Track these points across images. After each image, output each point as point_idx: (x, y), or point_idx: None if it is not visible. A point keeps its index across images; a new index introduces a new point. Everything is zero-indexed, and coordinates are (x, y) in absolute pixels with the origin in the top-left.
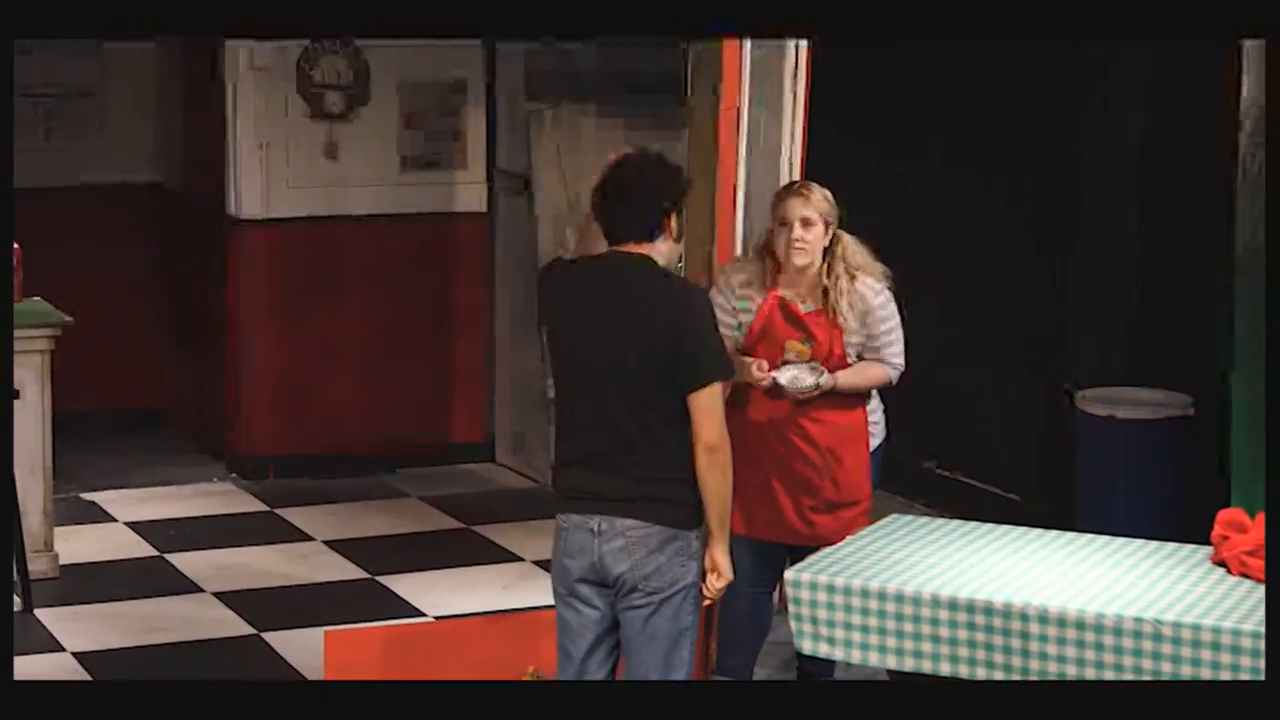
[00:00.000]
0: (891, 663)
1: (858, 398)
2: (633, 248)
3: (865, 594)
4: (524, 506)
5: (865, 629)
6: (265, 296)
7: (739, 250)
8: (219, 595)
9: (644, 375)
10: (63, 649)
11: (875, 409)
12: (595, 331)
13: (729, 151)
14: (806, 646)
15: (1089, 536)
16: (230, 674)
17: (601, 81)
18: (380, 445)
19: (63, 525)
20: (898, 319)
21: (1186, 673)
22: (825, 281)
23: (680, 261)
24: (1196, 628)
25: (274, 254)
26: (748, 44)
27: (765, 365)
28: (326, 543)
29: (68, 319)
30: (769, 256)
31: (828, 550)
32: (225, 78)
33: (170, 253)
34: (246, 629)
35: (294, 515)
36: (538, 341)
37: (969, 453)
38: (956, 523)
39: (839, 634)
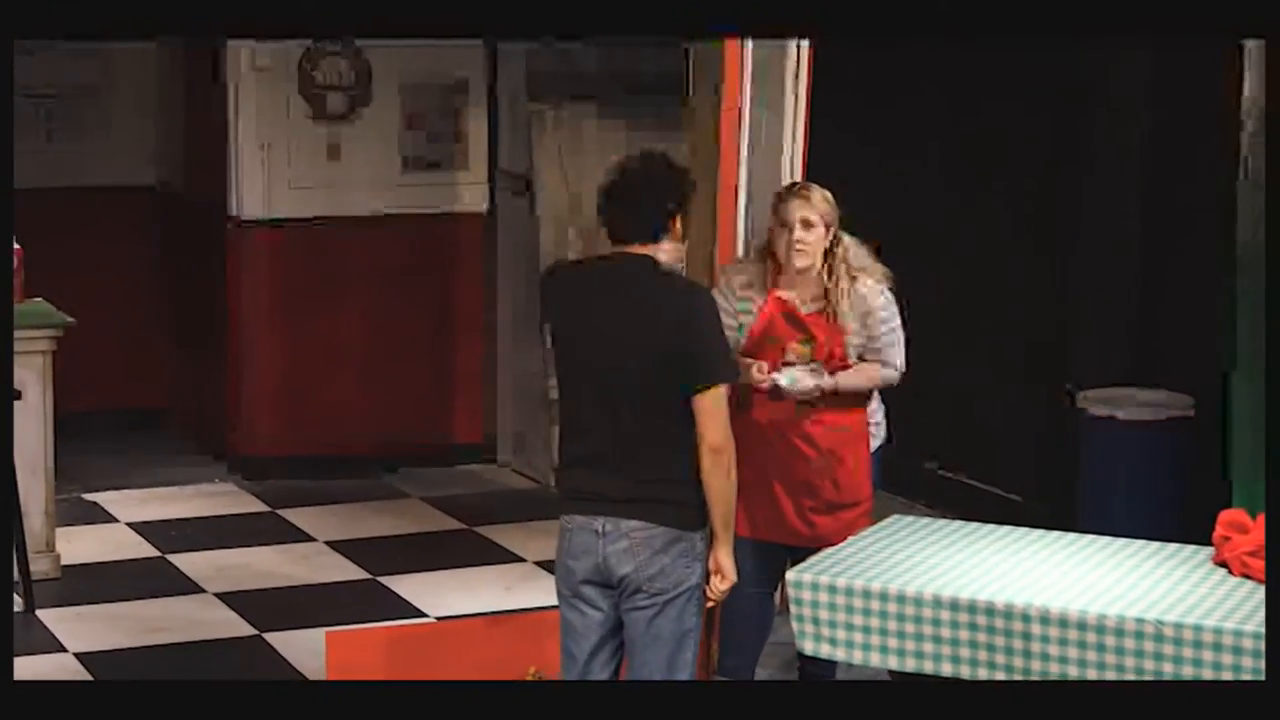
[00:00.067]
0: (893, 663)
1: (858, 399)
2: (637, 248)
3: (867, 594)
4: (525, 507)
5: (867, 629)
6: (267, 297)
7: (740, 251)
8: (220, 596)
9: (648, 376)
10: (64, 649)
11: (876, 410)
12: (599, 332)
13: (730, 152)
14: (808, 647)
15: (1090, 537)
16: (232, 674)
17: (603, 82)
18: (381, 446)
19: (64, 526)
20: (898, 320)
21: (1188, 674)
22: (826, 283)
23: (681, 262)
24: (1198, 629)
25: (275, 254)
26: (749, 44)
27: (766, 367)
28: (328, 543)
29: (70, 320)
30: (770, 258)
31: (829, 551)
32: (227, 79)
33: (172, 253)
34: (248, 629)
35: (295, 516)
36: (539, 342)
37: (970, 453)
38: (958, 523)
39: (841, 634)
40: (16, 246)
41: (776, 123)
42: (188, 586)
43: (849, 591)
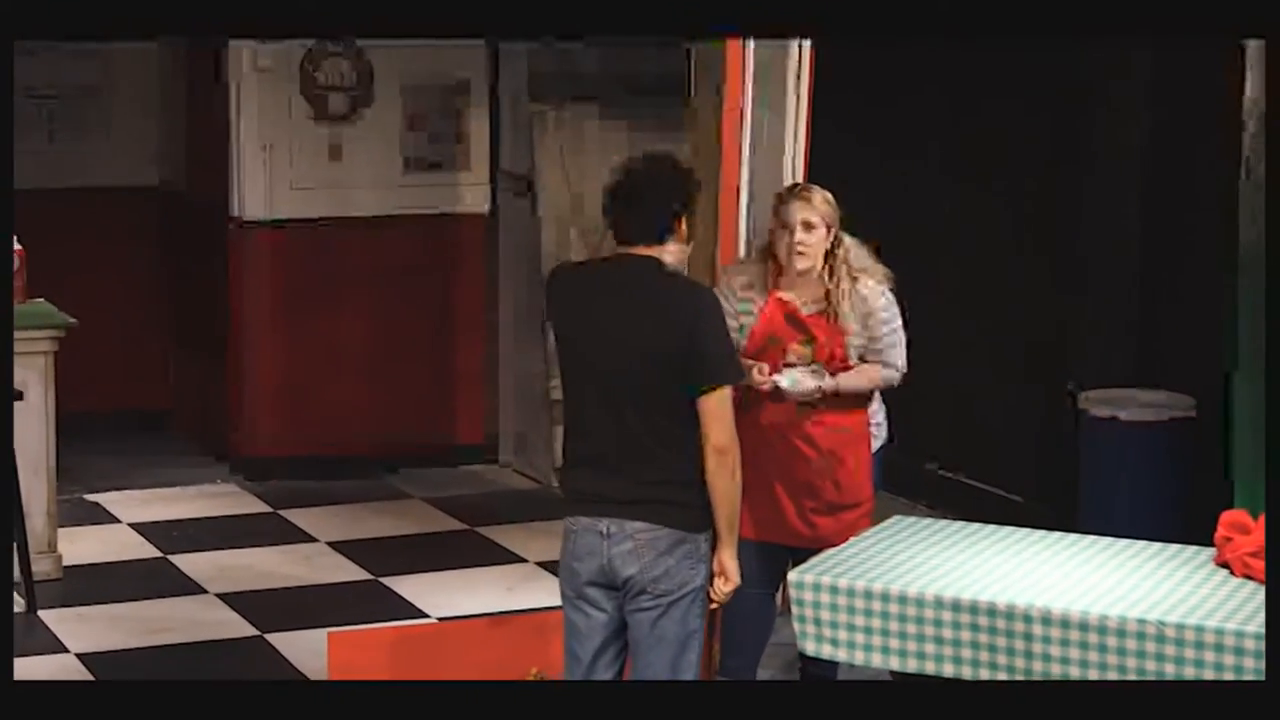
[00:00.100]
0: (894, 664)
1: (859, 400)
2: (642, 250)
3: (868, 595)
4: (527, 507)
5: (868, 630)
6: (269, 298)
7: (742, 251)
8: (222, 596)
9: (653, 377)
10: (66, 650)
11: (877, 411)
12: (604, 333)
13: (732, 152)
14: (810, 648)
15: (1091, 538)
16: (233, 675)
17: (605, 82)
18: (383, 446)
19: (66, 526)
20: (899, 321)
21: (1189, 675)
22: (827, 284)
23: (683, 264)
24: (1200, 629)
25: (277, 255)
26: (751, 44)
27: (766, 369)
28: (330, 544)
29: (71, 320)
30: (770, 259)
31: (831, 551)
32: (229, 79)
33: (174, 254)
34: (250, 630)
35: (297, 516)
36: (540, 343)
37: (971, 454)
38: (959, 524)
39: (842, 635)
40: (19, 247)
41: (778, 123)
42: (190, 587)
43: (850, 592)
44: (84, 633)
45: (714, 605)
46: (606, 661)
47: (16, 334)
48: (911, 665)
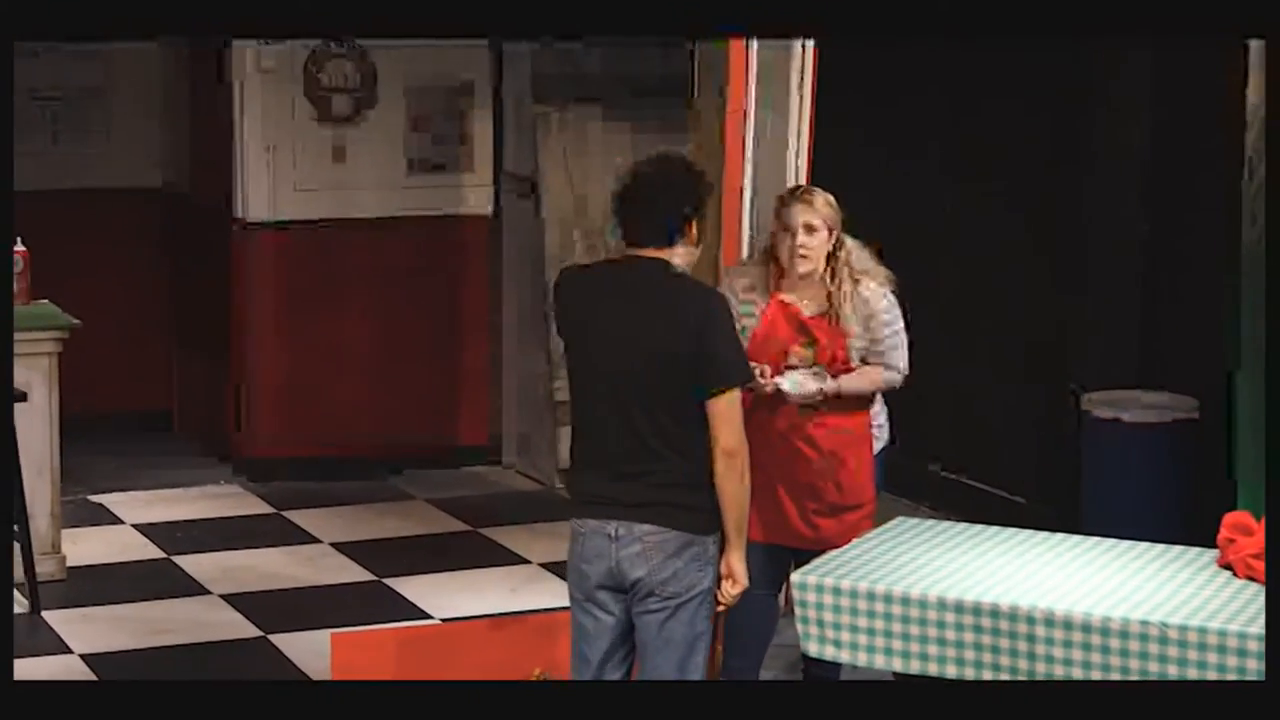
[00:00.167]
0: (898, 665)
1: (861, 401)
2: (651, 252)
3: (871, 596)
4: (531, 509)
5: (871, 631)
6: (272, 299)
7: (745, 252)
8: (226, 597)
9: (662, 379)
10: (70, 651)
11: (879, 412)
12: (612, 336)
13: (735, 153)
14: (813, 649)
15: (1095, 539)
16: (237, 676)
17: (608, 84)
18: (386, 447)
19: (70, 527)
20: (901, 323)
21: (1193, 676)
22: (829, 286)
23: (689, 266)
24: (1203, 631)
25: (281, 257)
26: (754, 45)
27: (768, 371)
28: (333, 545)
29: (75, 321)
30: (772, 261)
31: (834, 553)
32: (232, 80)
33: (177, 255)
34: (253, 631)
35: (300, 517)
36: (544, 344)
37: (974, 455)
38: (962, 525)
39: (845, 636)
40: (22, 248)
41: (781, 124)
42: (193, 588)
43: (853, 594)
44: (88, 633)
45: (721, 608)
46: (615, 664)
47: (20, 335)
48: (914, 666)
